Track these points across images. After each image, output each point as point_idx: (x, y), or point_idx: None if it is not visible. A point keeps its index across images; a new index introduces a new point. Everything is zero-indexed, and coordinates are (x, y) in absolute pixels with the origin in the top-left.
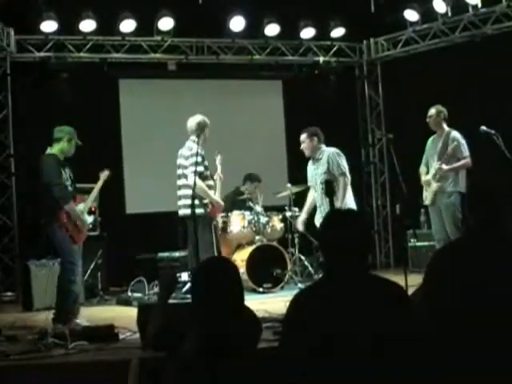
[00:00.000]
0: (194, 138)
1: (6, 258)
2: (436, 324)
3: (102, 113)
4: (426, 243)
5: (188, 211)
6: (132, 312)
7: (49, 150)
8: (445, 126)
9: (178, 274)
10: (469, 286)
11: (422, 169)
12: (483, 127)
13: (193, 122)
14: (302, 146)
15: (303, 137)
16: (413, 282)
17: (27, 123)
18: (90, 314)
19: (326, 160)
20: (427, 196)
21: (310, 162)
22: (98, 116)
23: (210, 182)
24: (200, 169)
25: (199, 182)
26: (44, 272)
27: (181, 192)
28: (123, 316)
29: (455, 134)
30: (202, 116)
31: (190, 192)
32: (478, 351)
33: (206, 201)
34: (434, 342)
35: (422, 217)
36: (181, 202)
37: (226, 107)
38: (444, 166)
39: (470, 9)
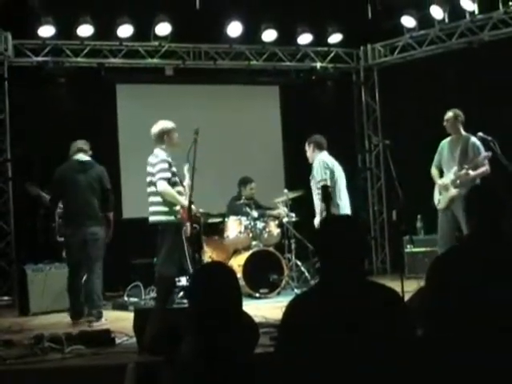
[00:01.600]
0: (159, 144)
1: (3, 262)
2: (436, 326)
3: (99, 117)
4: (422, 249)
5: (156, 218)
6: (128, 317)
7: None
8: (462, 130)
9: (175, 279)
10: (471, 288)
11: (434, 171)
12: (480, 133)
13: (155, 129)
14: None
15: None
16: (409, 287)
17: (24, 128)
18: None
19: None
20: (441, 200)
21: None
22: (95, 121)
23: (179, 188)
24: (167, 175)
25: (168, 189)
26: (40, 276)
27: (150, 199)
28: (119, 320)
29: (475, 140)
30: (163, 122)
31: (159, 199)
32: (479, 353)
33: (176, 207)
34: (431, 345)
35: (418, 223)
36: (150, 209)
37: (223, 112)
38: (471, 172)
39: (467, 15)
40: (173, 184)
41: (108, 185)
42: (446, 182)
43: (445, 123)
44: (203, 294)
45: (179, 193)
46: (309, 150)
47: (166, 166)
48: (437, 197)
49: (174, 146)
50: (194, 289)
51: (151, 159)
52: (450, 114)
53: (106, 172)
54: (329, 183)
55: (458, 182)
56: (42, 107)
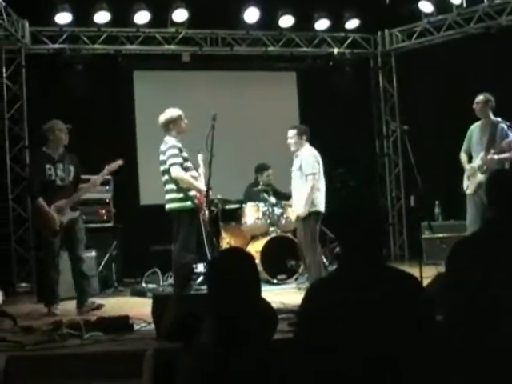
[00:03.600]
0: (169, 131)
1: (22, 249)
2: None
3: (116, 104)
4: (440, 235)
5: (172, 205)
6: (146, 303)
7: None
8: (491, 115)
9: (193, 265)
10: (489, 276)
11: (463, 156)
12: (498, 118)
13: (161, 119)
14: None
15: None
16: (427, 273)
17: (42, 115)
18: (105, 305)
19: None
20: (469, 185)
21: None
22: (113, 108)
23: (193, 173)
24: (179, 160)
25: (181, 173)
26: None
27: (165, 188)
28: (138, 307)
29: (504, 126)
30: (170, 110)
31: (173, 186)
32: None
33: (192, 193)
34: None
35: (436, 209)
36: (166, 197)
37: (240, 99)
38: (495, 157)
39: (485, 0)
40: (184, 169)
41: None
42: (474, 166)
43: (474, 106)
44: (222, 280)
45: (193, 177)
46: (297, 139)
47: (175, 151)
48: (466, 182)
49: (182, 132)
50: (212, 275)
51: (162, 147)
52: (480, 98)
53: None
54: (317, 177)
55: (485, 167)
56: (59, 94)
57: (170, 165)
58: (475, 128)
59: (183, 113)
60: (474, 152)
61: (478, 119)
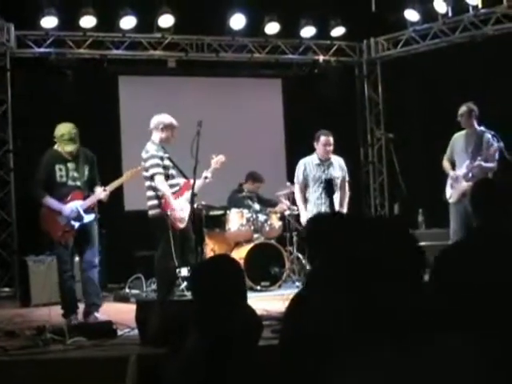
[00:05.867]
0: (153, 138)
1: (5, 253)
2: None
3: (101, 109)
4: (424, 243)
5: (152, 212)
6: (130, 308)
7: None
8: (476, 124)
9: (176, 271)
10: (475, 285)
11: (446, 163)
12: (482, 128)
13: (153, 120)
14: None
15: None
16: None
17: (27, 119)
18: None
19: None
20: (452, 194)
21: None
22: (98, 112)
23: (173, 182)
24: (160, 170)
25: (163, 187)
26: (42, 268)
27: (146, 194)
28: (121, 312)
29: (489, 135)
30: (166, 116)
31: (152, 193)
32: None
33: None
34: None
35: (419, 217)
36: (147, 204)
37: (225, 105)
38: (483, 164)
39: (471, 9)
40: (166, 177)
41: None
42: (459, 174)
43: (459, 118)
44: (209, 286)
45: (170, 186)
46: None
47: (156, 161)
48: (449, 191)
49: (166, 142)
50: (197, 281)
51: (143, 154)
52: (463, 109)
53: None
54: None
55: (470, 175)
56: (44, 98)
57: (153, 175)
58: (459, 137)
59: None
60: (457, 160)
61: (463, 128)
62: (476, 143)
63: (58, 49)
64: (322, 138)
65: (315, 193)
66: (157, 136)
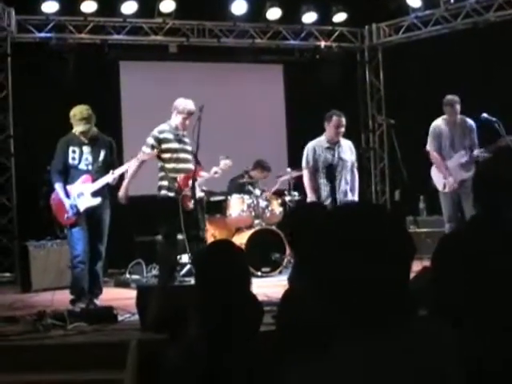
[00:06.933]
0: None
1: (5, 238)
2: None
3: (102, 94)
4: (425, 230)
5: (162, 192)
6: (130, 294)
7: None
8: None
9: (177, 256)
10: (476, 274)
11: (437, 156)
12: (484, 114)
13: (175, 102)
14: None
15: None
16: (412, 268)
17: (27, 104)
18: None
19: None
20: (446, 184)
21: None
22: (99, 98)
23: (183, 166)
24: (147, 150)
25: (132, 161)
26: (42, 253)
27: (158, 175)
28: (121, 298)
29: (471, 122)
30: (184, 102)
31: (161, 174)
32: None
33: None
34: None
35: (421, 203)
36: (158, 183)
37: (226, 90)
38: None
39: None
40: (175, 160)
41: None
42: (454, 165)
43: (458, 106)
44: (211, 272)
45: (177, 170)
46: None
47: (150, 140)
48: (440, 180)
49: (179, 127)
50: (201, 267)
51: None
52: (456, 98)
53: None
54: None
55: (465, 163)
56: (44, 83)
57: (141, 152)
58: (443, 127)
59: (170, 103)
60: (446, 151)
61: (464, 114)
62: (464, 132)
63: (59, 34)
64: (334, 119)
65: (324, 178)
66: (173, 116)
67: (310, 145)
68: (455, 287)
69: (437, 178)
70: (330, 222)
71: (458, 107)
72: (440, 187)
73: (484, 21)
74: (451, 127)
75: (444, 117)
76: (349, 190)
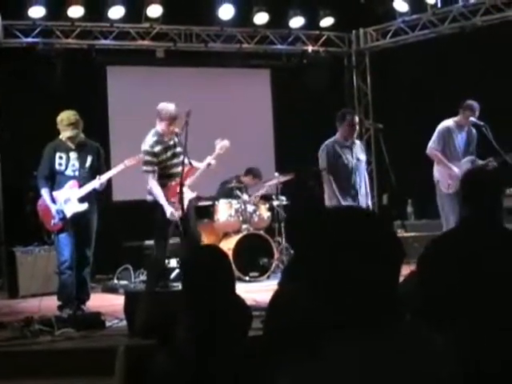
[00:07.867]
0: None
1: None
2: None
3: (89, 99)
4: (413, 234)
5: (148, 197)
6: (118, 300)
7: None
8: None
9: (166, 261)
10: (464, 275)
11: (443, 157)
12: (472, 119)
13: (158, 106)
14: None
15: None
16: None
17: (14, 109)
18: None
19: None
20: (451, 184)
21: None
22: (86, 103)
23: (173, 171)
24: (151, 168)
25: (154, 186)
26: (30, 259)
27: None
28: (109, 303)
29: (475, 131)
30: (168, 105)
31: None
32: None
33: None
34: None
35: (408, 208)
36: (147, 188)
37: (213, 95)
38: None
39: (460, 0)
40: (166, 168)
41: None
42: (460, 170)
43: (477, 113)
44: (197, 277)
45: (171, 175)
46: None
47: (148, 158)
48: (446, 181)
49: (164, 133)
50: (188, 272)
51: (142, 145)
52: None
53: None
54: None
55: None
56: (31, 88)
57: (144, 171)
58: (453, 130)
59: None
60: (453, 155)
61: (450, 117)
62: (472, 137)
63: (46, 39)
64: (349, 118)
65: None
66: (158, 122)
67: (329, 144)
68: (441, 290)
69: (441, 178)
70: (325, 223)
71: (477, 115)
72: (444, 188)
73: (471, 25)
74: (459, 131)
75: (455, 119)
76: (364, 191)
